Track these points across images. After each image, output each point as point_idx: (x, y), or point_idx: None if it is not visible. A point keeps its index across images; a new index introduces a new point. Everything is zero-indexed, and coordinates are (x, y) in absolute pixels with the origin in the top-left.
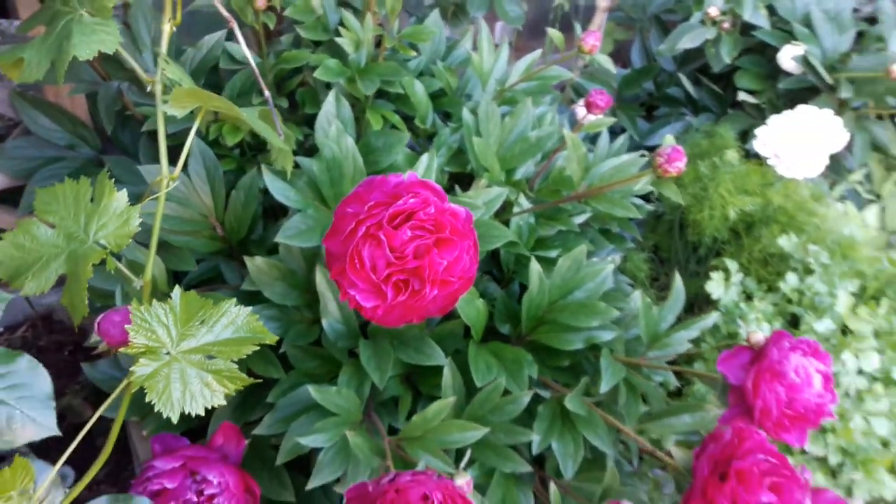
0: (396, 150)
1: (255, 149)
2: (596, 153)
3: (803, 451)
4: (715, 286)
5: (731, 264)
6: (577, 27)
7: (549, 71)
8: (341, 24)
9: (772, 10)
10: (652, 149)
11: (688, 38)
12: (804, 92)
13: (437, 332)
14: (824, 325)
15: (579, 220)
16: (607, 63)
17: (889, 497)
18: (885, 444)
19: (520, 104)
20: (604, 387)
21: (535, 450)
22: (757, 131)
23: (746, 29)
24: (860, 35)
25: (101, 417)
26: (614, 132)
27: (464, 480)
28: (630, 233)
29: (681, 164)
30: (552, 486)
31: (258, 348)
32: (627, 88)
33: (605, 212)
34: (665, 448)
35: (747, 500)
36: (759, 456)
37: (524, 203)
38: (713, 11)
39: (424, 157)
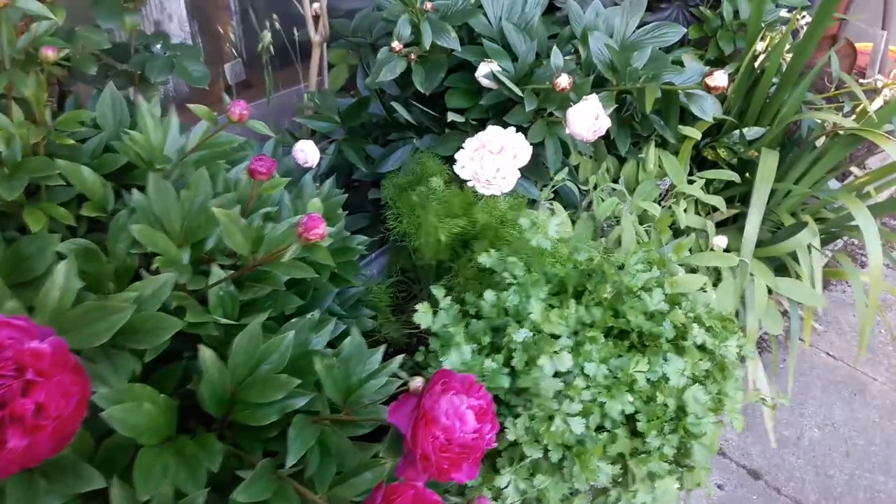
0: (50, 253)
1: None
2: (301, 203)
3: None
4: (422, 317)
5: (438, 291)
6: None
7: (217, 139)
8: None
9: (470, 29)
10: (382, 176)
11: (387, 70)
12: (505, 105)
13: (107, 446)
14: (522, 335)
15: None
16: (263, 128)
17: (605, 482)
18: (599, 428)
19: (194, 176)
20: (290, 459)
21: None
22: (457, 155)
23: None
24: (555, 37)
25: None
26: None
27: None
28: (353, 273)
29: (319, 231)
30: None
31: None
32: (350, 120)
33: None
34: None
35: None
36: None
37: (218, 273)
38: (395, 46)
39: (61, 265)
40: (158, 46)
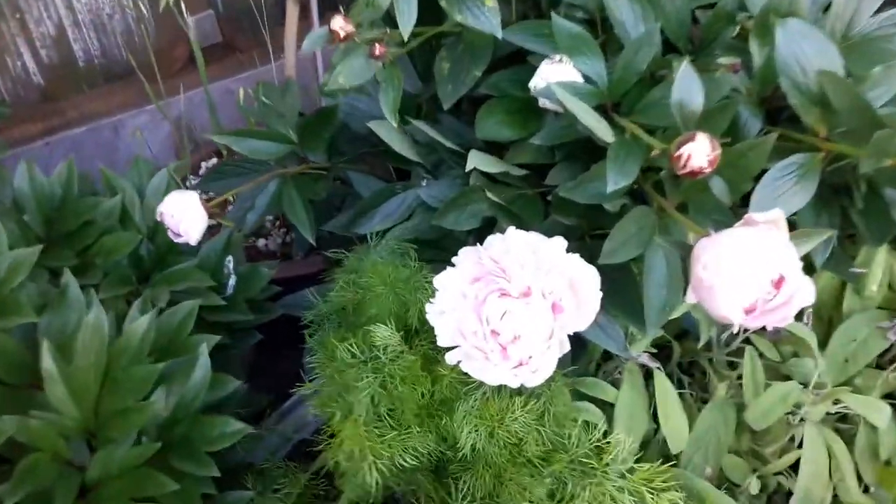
0: None
1: None
2: None
3: None
4: None
5: None
6: None
7: None
8: None
9: None
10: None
11: (345, 70)
12: (587, 145)
13: None
14: None
15: None
16: None
17: None
18: None
19: None
20: None
21: None
22: (436, 283)
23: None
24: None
25: None
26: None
27: None
28: None
29: None
30: None
31: None
32: (307, 144)
33: None
34: None
35: None
36: None
37: None
38: (338, 27)
39: None
40: None
